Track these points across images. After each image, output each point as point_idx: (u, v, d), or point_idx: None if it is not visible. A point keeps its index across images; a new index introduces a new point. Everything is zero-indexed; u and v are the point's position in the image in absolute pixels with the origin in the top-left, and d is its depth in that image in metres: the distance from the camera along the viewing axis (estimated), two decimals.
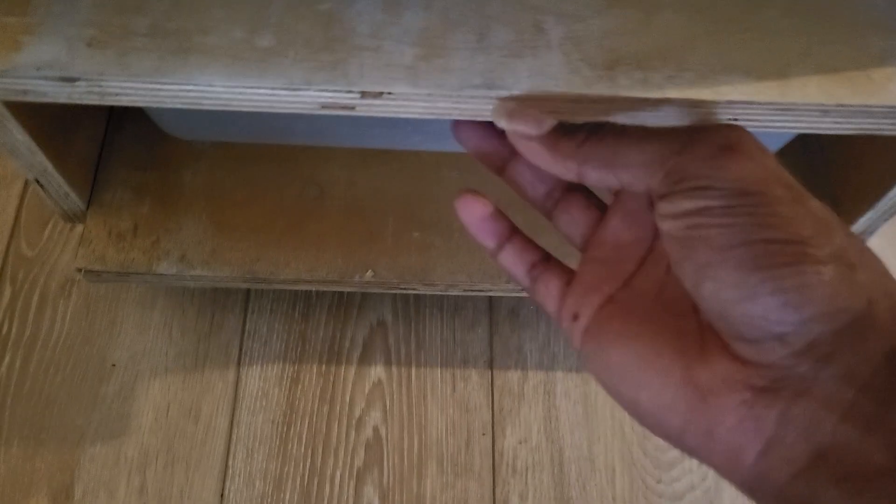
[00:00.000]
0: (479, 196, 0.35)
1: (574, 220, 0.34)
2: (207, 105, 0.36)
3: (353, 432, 0.59)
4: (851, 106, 0.35)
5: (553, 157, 0.30)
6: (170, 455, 0.58)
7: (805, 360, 0.24)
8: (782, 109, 0.35)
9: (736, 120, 0.36)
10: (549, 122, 0.31)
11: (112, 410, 0.59)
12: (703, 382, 0.26)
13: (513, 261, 0.35)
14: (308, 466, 0.58)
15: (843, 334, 0.24)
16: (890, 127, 0.36)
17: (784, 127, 0.36)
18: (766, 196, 0.26)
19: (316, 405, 0.60)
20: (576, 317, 0.32)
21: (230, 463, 0.58)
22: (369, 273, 0.53)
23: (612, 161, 0.29)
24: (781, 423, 0.25)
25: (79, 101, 0.36)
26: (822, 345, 0.24)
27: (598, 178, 0.30)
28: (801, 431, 0.24)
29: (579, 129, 0.30)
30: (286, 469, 0.58)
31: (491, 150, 0.36)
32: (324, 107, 0.36)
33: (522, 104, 0.33)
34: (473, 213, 0.34)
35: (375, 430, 0.59)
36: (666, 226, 0.27)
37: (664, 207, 0.27)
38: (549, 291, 0.33)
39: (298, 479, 0.58)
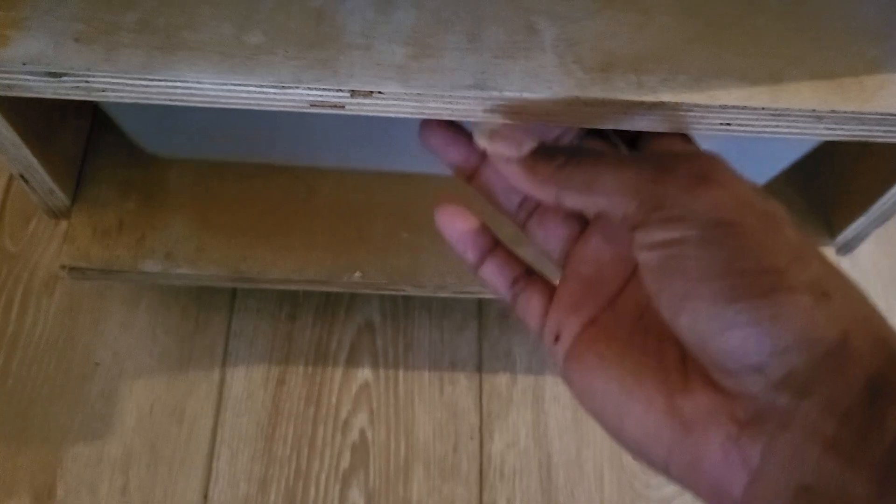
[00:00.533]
0: (460, 207, 0.34)
1: (552, 233, 0.34)
2: (196, 102, 0.35)
3: (339, 435, 0.59)
4: (844, 112, 0.35)
5: (531, 180, 0.30)
6: (153, 455, 0.57)
7: (784, 391, 0.24)
8: (775, 115, 0.35)
9: (729, 125, 0.36)
10: (529, 145, 0.31)
11: (95, 409, 0.59)
12: (686, 414, 0.26)
13: (494, 275, 0.34)
14: (293, 468, 0.57)
15: (821, 364, 0.24)
16: (882, 134, 0.36)
17: (777, 132, 0.36)
18: (740, 226, 0.26)
19: (302, 407, 0.60)
20: (557, 338, 0.31)
21: (214, 464, 0.57)
22: (357, 274, 0.52)
23: (588, 187, 0.29)
24: (766, 457, 0.25)
25: (65, 97, 0.35)
26: (801, 375, 0.24)
27: (576, 202, 0.30)
28: (786, 465, 0.24)
29: (558, 152, 0.30)
30: (271, 471, 0.57)
31: (458, 157, 0.35)
32: (313, 105, 0.35)
33: (504, 126, 0.33)
34: (454, 226, 0.34)
35: (362, 432, 0.59)
36: (642, 257, 0.27)
37: (640, 238, 0.27)
38: (530, 308, 0.33)
39: (283, 481, 0.57)
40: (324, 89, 0.34)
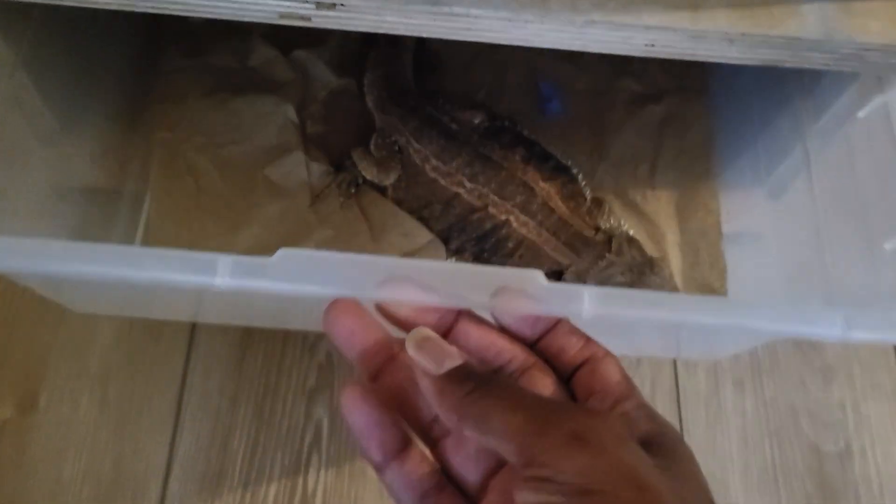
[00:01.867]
0: (367, 395, 0.30)
1: (471, 461, 0.30)
2: (176, 11, 0.39)
3: (306, 356, 0.63)
4: (753, 36, 0.39)
5: (438, 402, 0.28)
6: (131, 371, 0.61)
7: None
8: (693, 37, 0.40)
9: (653, 45, 0.40)
10: (450, 363, 0.29)
11: (77, 329, 0.62)
12: None
13: (399, 484, 0.29)
14: (263, 385, 0.61)
15: None
16: (789, 57, 0.41)
17: (696, 55, 0.41)
18: (606, 496, 0.24)
19: (272, 330, 0.63)
20: None
21: (188, 380, 0.61)
22: None
23: (482, 424, 0.27)
24: None
25: (66, 3, 0.39)
26: None
27: (473, 437, 0.27)
28: None
29: (471, 378, 0.28)
30: (241, 387, 0.61)
31: (364, 349, 0.32)
32: (282, 16, 0.39)
33: (434, 340, 0.30)
34: (359, 415, 0.30)
35: (328, 354, 0.63)
36: None
37: (517, 497, 0.25)
38: None
39: (253, 397, 0.61)
40: (292, 1, 0.38)
